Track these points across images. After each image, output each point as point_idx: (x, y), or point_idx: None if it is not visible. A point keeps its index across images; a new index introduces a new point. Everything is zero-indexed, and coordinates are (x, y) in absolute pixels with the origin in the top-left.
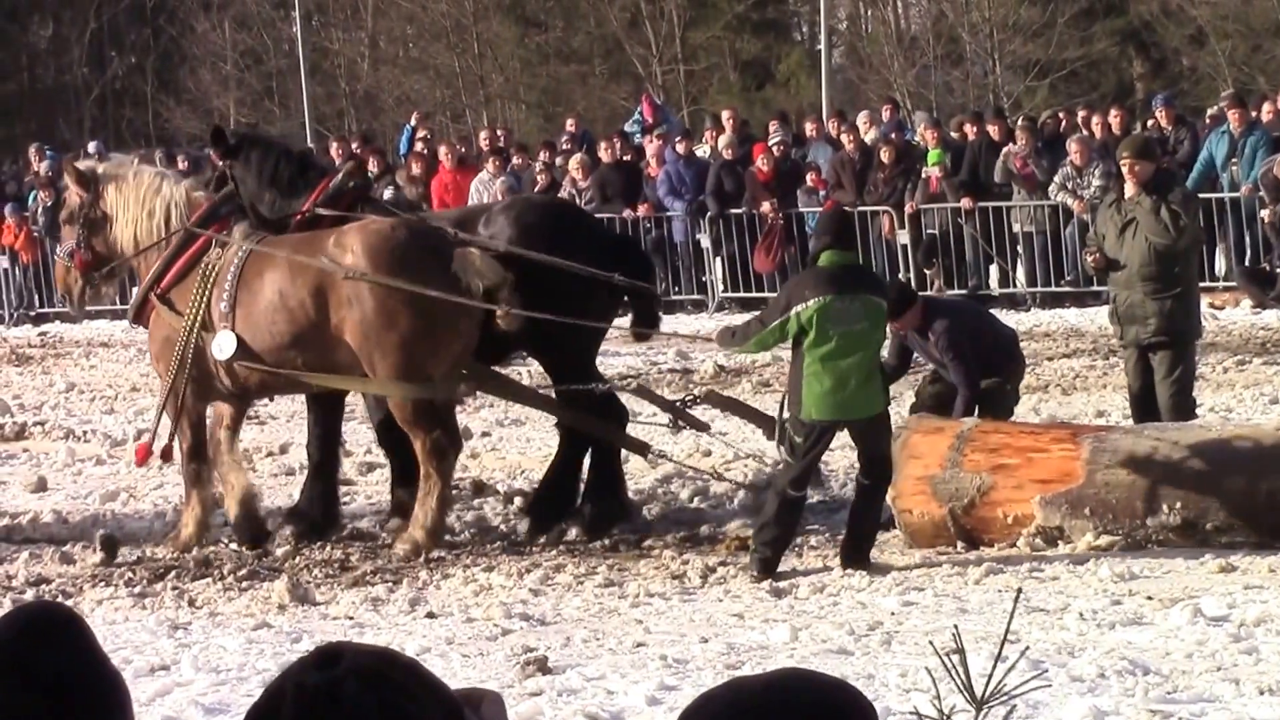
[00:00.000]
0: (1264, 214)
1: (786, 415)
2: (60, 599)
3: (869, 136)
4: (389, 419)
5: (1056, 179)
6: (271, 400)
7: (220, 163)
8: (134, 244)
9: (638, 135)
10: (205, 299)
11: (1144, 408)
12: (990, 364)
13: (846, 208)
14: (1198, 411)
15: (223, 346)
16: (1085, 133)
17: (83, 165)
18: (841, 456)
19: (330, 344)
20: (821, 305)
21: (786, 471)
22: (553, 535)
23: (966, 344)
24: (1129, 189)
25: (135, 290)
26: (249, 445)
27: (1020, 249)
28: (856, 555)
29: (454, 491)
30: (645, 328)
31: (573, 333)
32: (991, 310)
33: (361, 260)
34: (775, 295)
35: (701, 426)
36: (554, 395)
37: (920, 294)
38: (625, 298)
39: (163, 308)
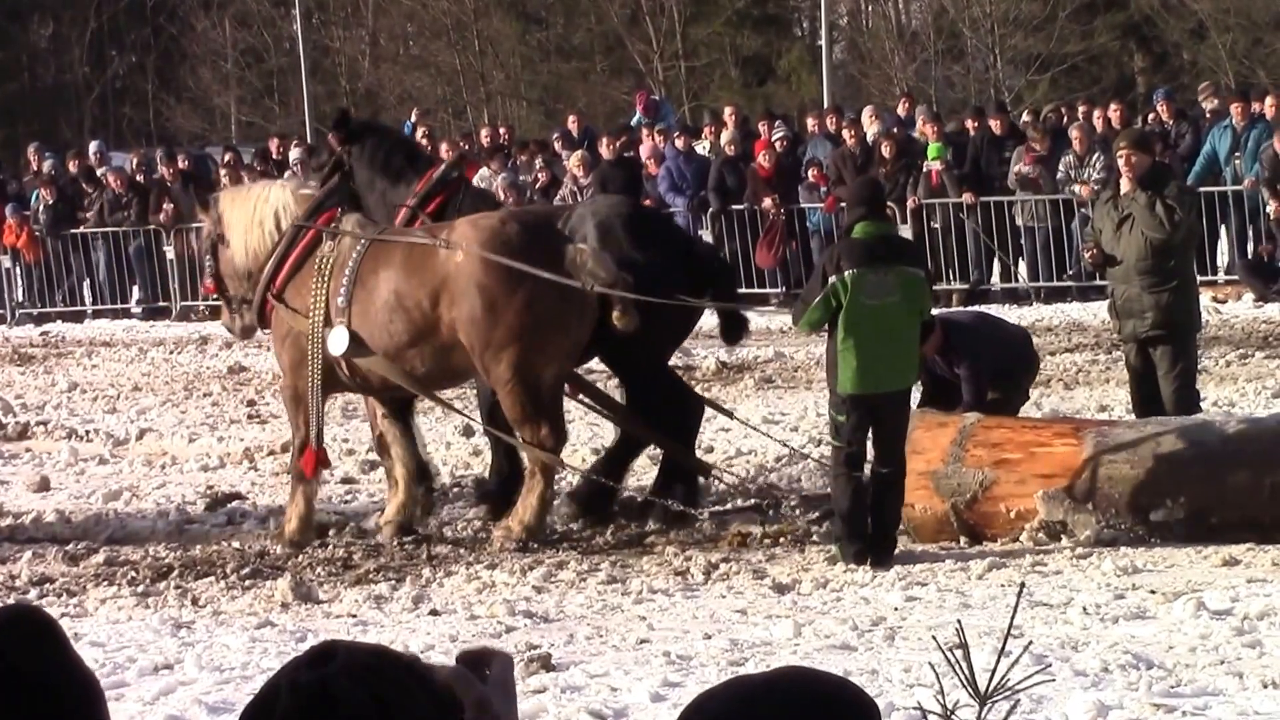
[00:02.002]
0: (1270, 209)
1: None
2: (64, 598)
3: (872, 131)
4: (496, 406)
5: (1060, 169)
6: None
7: (339, 148)
8: (246, 255)
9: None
10: (324, 292)
11: (1145, 402)
12: (1006, 373)
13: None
14: (1202, 406)
15: (335, 342)
16: (1085, 124)
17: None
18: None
19: (446, 346)
20: (855, 277)
21: (837, 457)
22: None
23: (986, 370)
24: (1124, 184)
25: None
26: (250, 444)
27: (1023, 243)
28: (883, 552)
29: (457, 489)
30: (733, 330)
31: (645, 337)
32: (993, 305)
33: (473, 256)
34: (813, 272)
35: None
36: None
37: (936, 316)
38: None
39: (279, 305)
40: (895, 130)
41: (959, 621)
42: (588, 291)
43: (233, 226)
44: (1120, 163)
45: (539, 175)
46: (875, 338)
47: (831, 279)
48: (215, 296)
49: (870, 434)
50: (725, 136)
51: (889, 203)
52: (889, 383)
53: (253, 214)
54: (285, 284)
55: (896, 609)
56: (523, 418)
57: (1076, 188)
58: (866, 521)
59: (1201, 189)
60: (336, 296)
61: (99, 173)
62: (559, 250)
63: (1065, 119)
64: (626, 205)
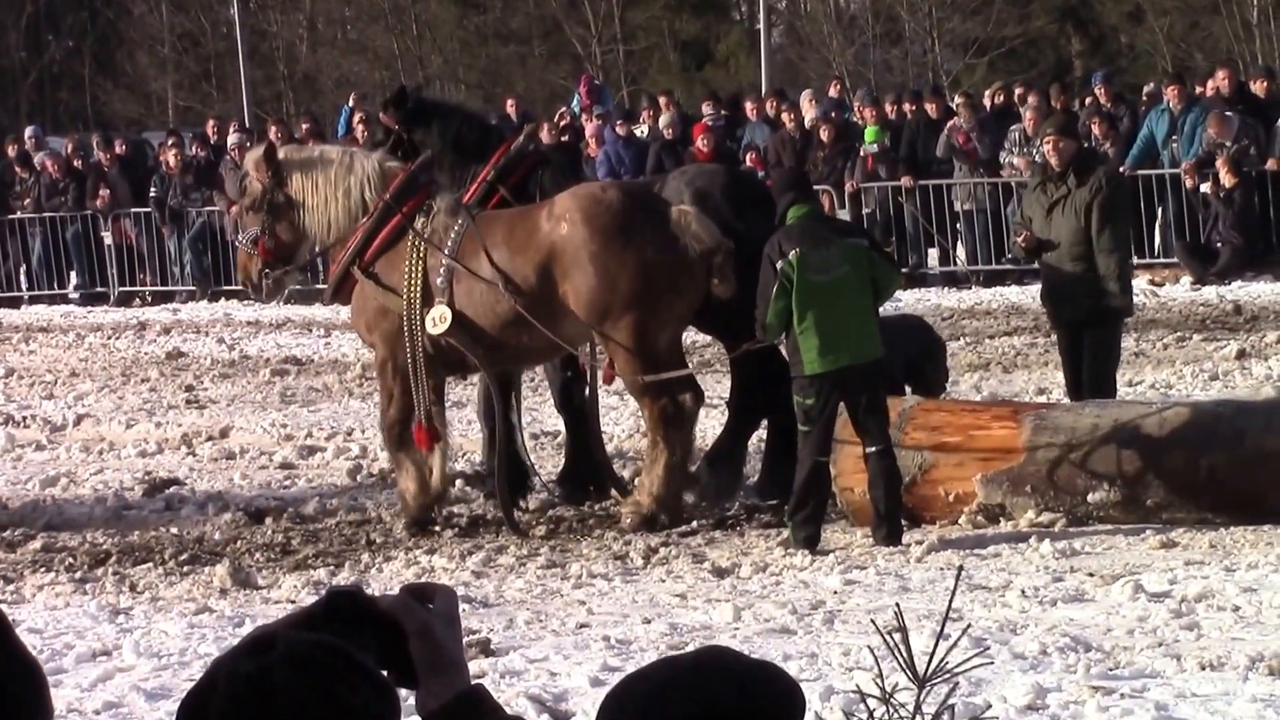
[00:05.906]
0: (1205, 187)
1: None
2: (1, 585)
3: (809, 115)
4: (567, 386)
5: (1005, 144)
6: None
7: (396, 127)
8: (329, 226)
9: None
10: (421, 271)
11: (1078, 386)
12: (914, 366)
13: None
14: (1139, 389)
15: (438, 321)
16: (1032, 101)
17: (259, 151)
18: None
19: (557, 317)
20: (799, 257)
21: (806, 440)
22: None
23: (898, 371)
24: (1053, 167)
25: (329, 268)
26: (189, 430)
27: (961, 227)
28: (890, 532)
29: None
30: None
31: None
32: (932, 288)
33: (579, 226)
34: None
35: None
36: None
37: None
38: None
39: (367, 282)
40: (833, 114)
41: (898, 605)
42: (690, 261)
43: (311, 191)
44: (1048, 149)
45: None
46: (831, 314)
47: (778, 264)
48: (259, 259)
49: (849, 415)
50: (664, 120)
51: (828, 187)
52: (853, 356)
53: (335, 183)
54: (375, 259)
55: (835, 592)
56: (642, 388)
57: (1015, 159)
58: (822, 507)
59: (1139, 172)
60: (435, 275)
61: (35, 158)
62: (663, 214)
63: (1007, 100)
64: (723, 173)
